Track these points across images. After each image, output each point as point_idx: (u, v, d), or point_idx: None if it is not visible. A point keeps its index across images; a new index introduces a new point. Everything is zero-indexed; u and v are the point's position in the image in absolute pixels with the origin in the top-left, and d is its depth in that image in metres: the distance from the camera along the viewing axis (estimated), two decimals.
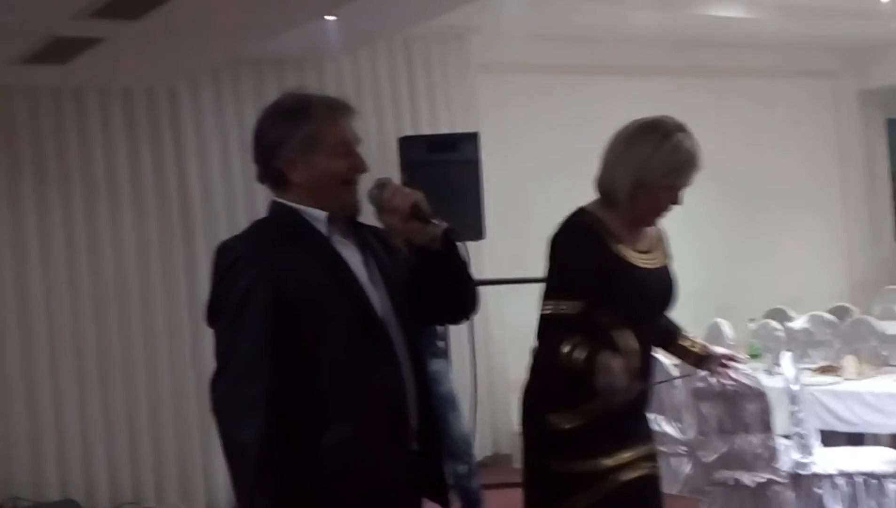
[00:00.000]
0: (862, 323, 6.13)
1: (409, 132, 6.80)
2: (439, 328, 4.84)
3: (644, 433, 2.86)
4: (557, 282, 2.77)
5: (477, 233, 6.39)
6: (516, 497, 6.25)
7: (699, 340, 3.16)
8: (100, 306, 6.02)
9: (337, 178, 2.29)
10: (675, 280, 2.93)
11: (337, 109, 2.34)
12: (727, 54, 8.35)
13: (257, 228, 2.35)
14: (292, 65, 6.57)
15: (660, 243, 2.93)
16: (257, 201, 6.42)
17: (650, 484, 2.83)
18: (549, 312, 2.75)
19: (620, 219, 2.79)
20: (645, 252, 2.83)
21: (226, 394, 2.17)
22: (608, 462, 2.73)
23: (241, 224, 6.70)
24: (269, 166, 2.31)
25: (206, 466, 6.16)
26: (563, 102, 7.59)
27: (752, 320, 6.34)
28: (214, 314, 2.25)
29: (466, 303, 2.46)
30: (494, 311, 6.96)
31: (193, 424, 6.12)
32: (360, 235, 2.37)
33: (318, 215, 2.29)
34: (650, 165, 2.74)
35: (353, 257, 2.31)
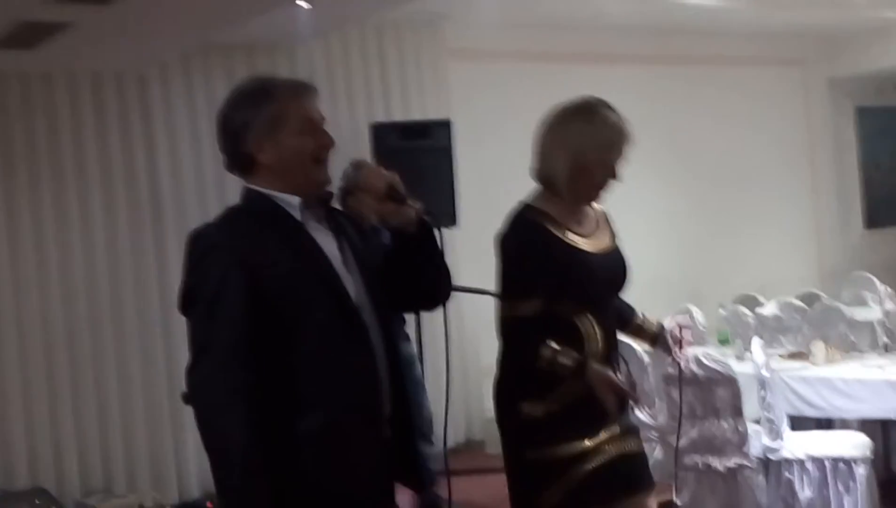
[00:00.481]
0: (831, 309, 6.19)
1: (382, 119, 6.79)
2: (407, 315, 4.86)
3: (613, 414, 2.85)
4: (512, 283, 2.80)
5: (450, 220, 6.39)
6: (488, 482, 6.27)
7: (651, 318, 3.13)
8: (69, 293, 5.97)
9: (306, 155, 2.29)
10: (626, 260, 2.94)
11: (299, 89, 2.34)
12: (699, 42, 8.38)
13: (230, 215, 2.33)
14: (263, 51, 6.53)
15: (605, 223, 2.96)
16: (228, 186, 6.38)
17: (630, 461, 2.84)
18: (507, 314, 2.78)
19: (563, 205, 2.82)
20: (591, 236, 2.86)
21: (205, 383, 2.16)
22: (584, 444, 2.74)
23: (212, 210, 6.67)
24: (237, 151, 2.30)
25: (177, 453, 6.14)
26: (535, 89, 7.57)
27: (722, 306, 6.38)
28: (189, 303, 2.24)
29: (440, 289, 2.46)
30: (468, 298, 6.96)
31: (164, 411, 6.09)
32: (334, 220, 2.36)
33: (291, 201, 2.29)
34: (584, 145, 2.78)
35: (327, 242, 2.30)
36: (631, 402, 2.93)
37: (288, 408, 2.18)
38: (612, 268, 2.89)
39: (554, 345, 2.72)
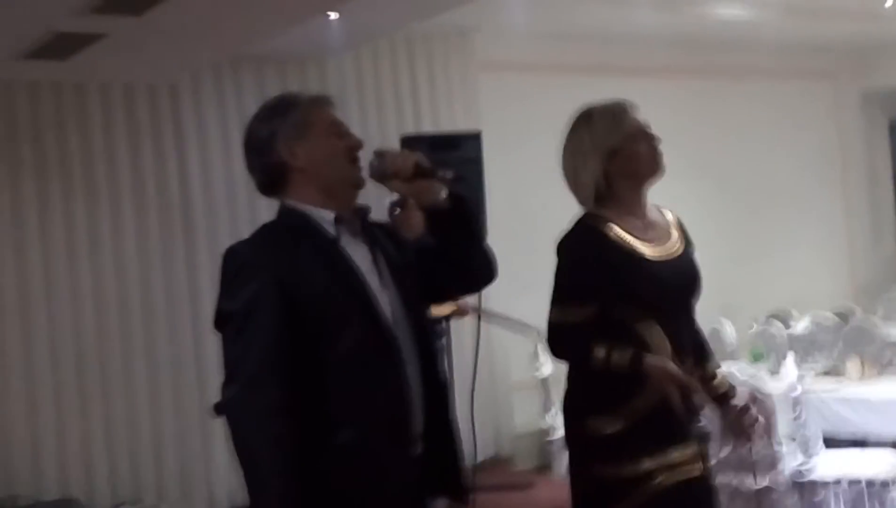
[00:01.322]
0: (865, 326, 6.11)
1: (412, 131, 6.78)
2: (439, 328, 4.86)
3: (692, 433, 2.77)
4: (564, 287, 2.74)
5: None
6: (516, 499, 6.23)
7: (725, 378, 2.97)
8: (100, 304, 5.99)
9: (339, 155, 2.30)
10: (697, 268, 2.85)
11: (320, 99, 2.38)
12: (729, 55, 8.33)
13: (264, 231, 2.33)
14: (294, 63, 6.54)
15: (676, 230, 2.88)
16: (259, 198, 6.39)
17: (698, 486, 2.75)
18: (557, 320, 2.72)
19: (622, 210, 2.77)
20: (656, 241, 2.79)
21: (238, 402, 2.15)
22: (651, 464, 2.66)
23: (243, 221, 6.72)
24: (268, 163, 2.29)
25: (206, 463, 6.14)
26: (565, 101, 7.43)
27: (755, 321, 6.32)
28: (222, 321, 2.24)
29: (483, 265, 2.43)
30: (499, 310, 6.93)
31: (194, 421, 6.10)
32: (369, 233, 2.35)
33: (325, 216, 2.28)
34: (598, 135, 2.77)
35: (362, 257, 2.30)
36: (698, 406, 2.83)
37: (319, 425, 2.17)
38: (679, 275, 2.79)
39: (604, 343, 2.65)
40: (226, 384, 2.19)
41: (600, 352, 2.65)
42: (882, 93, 9.40)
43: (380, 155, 2.34)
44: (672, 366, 2.67)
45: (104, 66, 5.65)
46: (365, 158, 2.38)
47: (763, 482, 4.44)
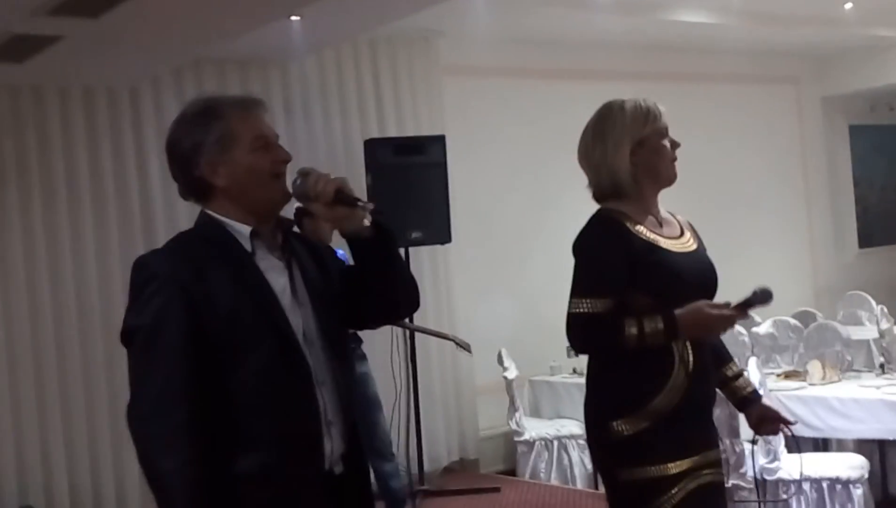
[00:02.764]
0: (826, 328, 6.16)
1: (376, 135, 6.75)
2: (358, 333, 4.85)
3: (709, 438, 2.75)
4: (588, 280, 2.68)
5: (444, 236, 6.35)
6: (481, 502, 6.21)
7: (751, 380, 2.96)
8: (59, 309, 5.91)
9: (263, 173, 2.20)
10: (713, 264, 2.83)
11: (247, 104, 2.25)
12: (692, 59, 8.39)
13: (179, 241, 2.25)
14: (256, 65, 6.50)
15: (690, 230, 2.87)
16: None
17: (714, 491, 2.73)
18: (580, 311, 2.65)
19: (639, 206, 2.74)
20: (673, 237, 2.76)
21: (144, 422, 2.08)
22: (672, 468, 2.63)
23: None
24: (191, 177, 2.21)
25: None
26: (528, 105, 7.58)
27: None
28: (129, 335, 2.15)
29: (405, 296, 2.37)
30: (462, 316, 6.93)
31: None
32: (288, 248, 2.28)
33: (242, 230, 2.20)
34: (629, 125, 2.73)
35: (276, 274, 2.21)
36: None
37: (227, 447, 2.09)
38: (699, 269, 2.76)
39: (632, 319, 2.59)
40: (133, 403, 2.10)
41: (632, 328, 2.59)
42: (842, 97, 9.50)
43: (303, 175, 2.24)
44: (702, 307, 2.61)
45: (62, 68, 5.57)
46: (297, 166, 2.29)
47: (728, 482, 4.45)
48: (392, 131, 6.88)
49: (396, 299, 2.37)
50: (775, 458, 4.70)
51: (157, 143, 6.23)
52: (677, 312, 2.60)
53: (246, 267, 2.18)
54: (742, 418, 4.31)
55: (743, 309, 2.69)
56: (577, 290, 2.68)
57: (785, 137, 9.27)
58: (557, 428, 6.45)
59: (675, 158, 2.78)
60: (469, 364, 6.94)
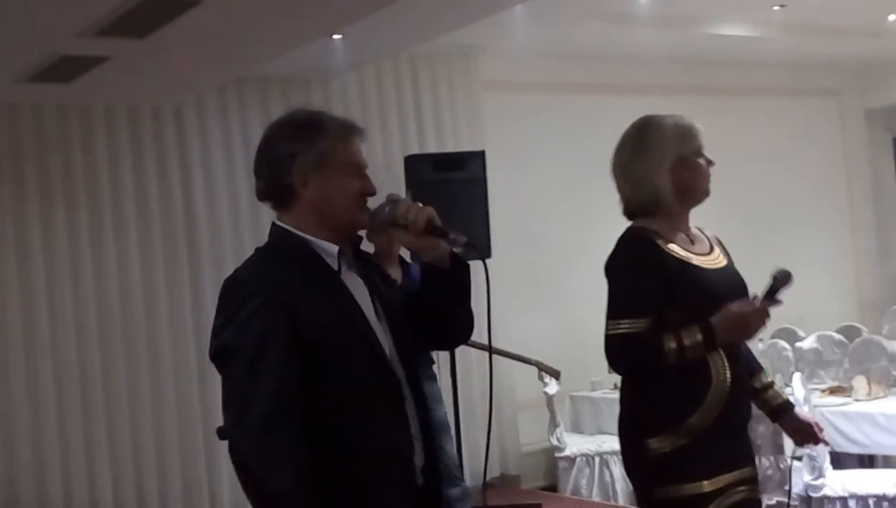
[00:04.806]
0: (871, 343, 6.09)
1: (416, 151, 6.79)
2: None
3: (744, 455, 2.75)
4: (623, 300, 2.68)
5: (484, 251, 6.36)
6: None
7: (781, 391, 2.92)
8: (104, 326, 5.99)
9: (350, 196, 2.23)
10: (743, 279, 2.83)
11: (350, 129, 2.28)
12: (733, 73, 8.34)
13: (264, 257, 2.26)
14: (298, 83, 6.56)
15: (719, 247, 2.87)
16: (262, 219, 6.38)
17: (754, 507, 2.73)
18: (617, 332, 2.65)
19: (670, 223, 2.74)
20: (704, 254, 2.77)
21: (255, 443, 2.07)
22: (707, 485, 2.63)
23: (246, 243, 6.69)
24: (278, 181, 2.22)
25: (210, 483, 6.13)
26: (568, 120, 7.59)
27: (760, 339, 6.29)
28: (228, 356, 2.14)
29: (464, 327, 2.39)
30: (502, 330, 6.93)
31: (199, 449, 6.09)
32: (363, 267, 2.32)
33: (327, 248, 2.23)
34: (671, 142, 2.74)
35: (360, 291, 2.25)
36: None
37: (329, 461, 2.12)
38: (731, 285, 2.76)
39: (671, 334, 2.59)
40: (235, 425, 2.09)
41: (671, 343, 2.59)
42: (886, 109, 9.40)
43: (393, 202, 2.27)
44: (732, 309, 2.62)
45: (108, 88, 5.67)
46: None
47: (773, 499, 4.42)
48: (432, 147, 6.92)
49: (455, 330, 2.40)
50: (820, 475, 4.66)
51: (201, 160, 6.33)
52: (712, 319, 2.61)
53: (335, 284, 2.21)
54: (786, 434, 4.30)
55: (771, 297, 2.70)
56: (614, 312, 2.68)
57: (827, 151, 9.18)
58: (599, 444, 6.43)
59: (708, 175, 2.78)
60: (509, 378, 6.94)
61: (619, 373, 2.80)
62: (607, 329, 2.67)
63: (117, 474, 5.95)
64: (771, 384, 2.90)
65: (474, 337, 2.48)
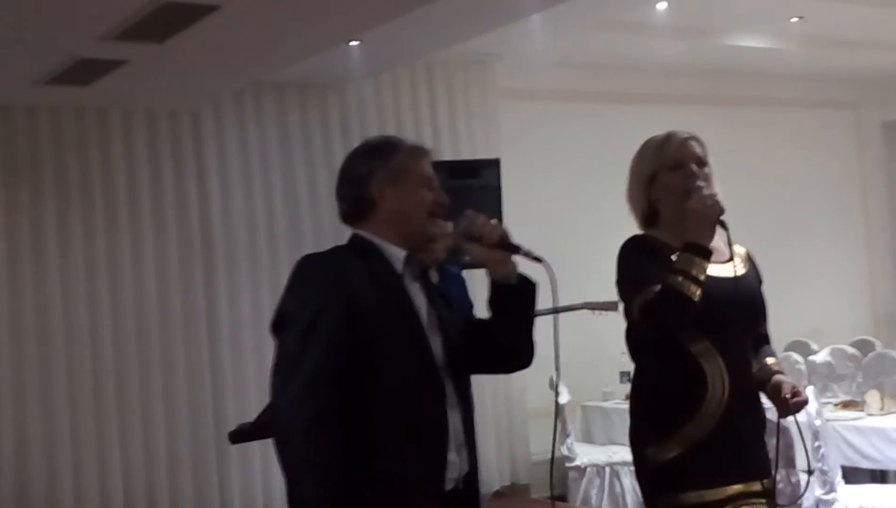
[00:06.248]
0: (885, 357, 6.07)
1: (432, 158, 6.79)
2: None
3: (754, 468, 2.69)
4: (636, 280, 2.68)
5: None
6: None
7: (768, 360, 2.80)
8: (118, 329, 6.01)
9: (425, 207, 2.42)
10: (756, 293, 2.80)
11: (420, 149, 2.50)
12: (749, 84, 8.33)
13: (339, 250, 2.43)
14: (315, 89, 6.59)
15: (739, 258, 2.82)
16: (277, 223, 6.43)
17: None
18: (642, 299, 2.62)
19: (673, 234, 2.73)
20: (716, 262, 2.70)
21: (294, 404, 2.20)
22: (710, 495, 2.61)
23: (262, 246, 6.70)
24: (358, 196, 2.41)
25: (220, 486, 6.15)
26: (584, 129, 7.59)
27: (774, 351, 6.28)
28: (285, 323, 2.29)
29: (526, 351, 2.52)
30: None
31: (210, 454, 6.10)
32: (427, 281, 2.47)
33: (396, 253, 2.40)
34: (641, 163, 2.81)
35: (419, 300, 2.40)
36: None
37: (360, 451, 2.23)
38: (736, 294, 2.70)
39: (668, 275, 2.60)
40: (282, 383, 2.23)
41: (675, 278, 2.58)
42: None
43: (471, 216, 2.46)
44: (688, 207, 2.66)
45: (126, 92, 5.71)
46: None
47: None
48: (448, 155, 6.92)
49: (519, 353, 2.54)
50: (832, 489, 4.64)
51: (218, 164, 6.35)
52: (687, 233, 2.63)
53: (396, 286, 2.37)
54: (798, 447, 4.30)
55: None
56: (630, 292, 2.68)
57: (844, 163, 9.15)
58: (609, 454, 6.42)
59: (690, 189, 2.71)
60: (520, 386, 6.93)
61: (663, 333, 2.68)
62: (632, 307, 2.66)
63: (128, 477, 5.97)
64: (763, 364, 2.78)
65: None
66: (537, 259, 2.46)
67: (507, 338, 2.49)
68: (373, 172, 2.40)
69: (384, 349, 2.28)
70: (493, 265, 2.46)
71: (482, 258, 2.46)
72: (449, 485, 2.33)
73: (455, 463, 2.34)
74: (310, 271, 2.34)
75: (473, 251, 2.45)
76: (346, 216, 2.46)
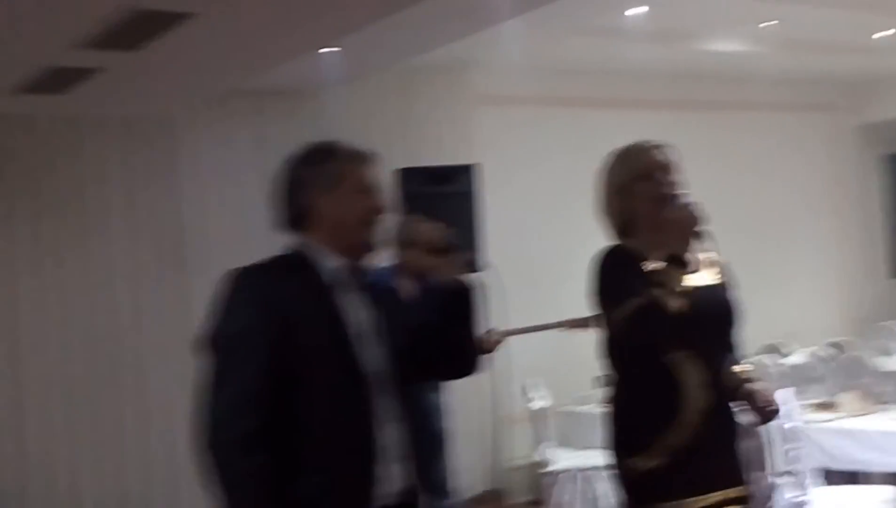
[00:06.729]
0: (857, 359, 6.12)
1: (408, 164, 6.79)
2: None
3: (730, 475, 2.73)
4: (610, 290, 2.69)
5: (475, 265, 6.37)
6: None
7: (740, 368, 2.81)
8: (91, 340, 5.99)
9: (359, 216, 2.34)
10: (730, 302, 2.80)
11: (360, 154, 2.42)
12: (725, 88, 8.38)
13: (268, 263, 2.36)
14: (291, 95, 6.58)
15: (713, 267, 2.84)
16: (253, 230, 6.40)
17: None
18: (619, 316, 2.64)
19: (648, 244, 2.74)
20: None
21: (218, 425, 2.15)
22: (690, 504, 2.64)
23: (237, 254, 6.69)
24: (292, 204, 2.35)
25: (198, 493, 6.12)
26: (561, 134, 7.61)
27: (745, 355, 6.31)
28: (213, 340, 2.24)
29: (469, 355, 2.47)
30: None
31: (185, 462, 6.06)
32: (368, 287, 2.39)
33: (330, 263, 2.33)
34: (613, 173, 2.82)
35: (355, 308, 2.32)
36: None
37: (287, 466, 2.17)
38: (706, 305, 2.71)
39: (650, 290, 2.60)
40: (208, 403, 2.18)
41: (656, 290, 2.59)
42: (875, 126, 9.45)
43: (409, 221, 2.46)
44: (665, 218, 2.66)
45: (100, 100, 5.68)
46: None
47: None
48: (425, 161, 6.92)
49: (464, 357, 2.47)
50: (805, 491, 4.67)
51: (193, 172, 6.33)
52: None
53: (327, 298, 2.30)
54: (770, 450, 4.33)
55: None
56: (609, 305, 2.67)
57: (817, 166, 9.22)
58: (585, 459, 6.42)
59: (664, 198, 2.73)
60: (496, 393, 6.93)
61: (641, 353, 2.69)
62: (610, 325, 2.66)
63: (99, 484, 5.97)
64: (729, 371, 2.79)
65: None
66: (472, 264, 2.40)
67: (450, 342, 2.42)
68: (307, 178, 2.34)
69: (313, 362, 2.21)
70: (433, 270, 2.40)
71: (422, 263, 2.41)
72: (382, 501, 2.25)
73: (388, 478, 2.26)
74: (236, 286, 2.26)
75: (412, 256, 2.40)
76: (282, 224, 2.39)
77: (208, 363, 2.22)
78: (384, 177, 2.44)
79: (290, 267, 2.32)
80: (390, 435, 2.29)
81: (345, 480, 2.20)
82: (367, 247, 2.37)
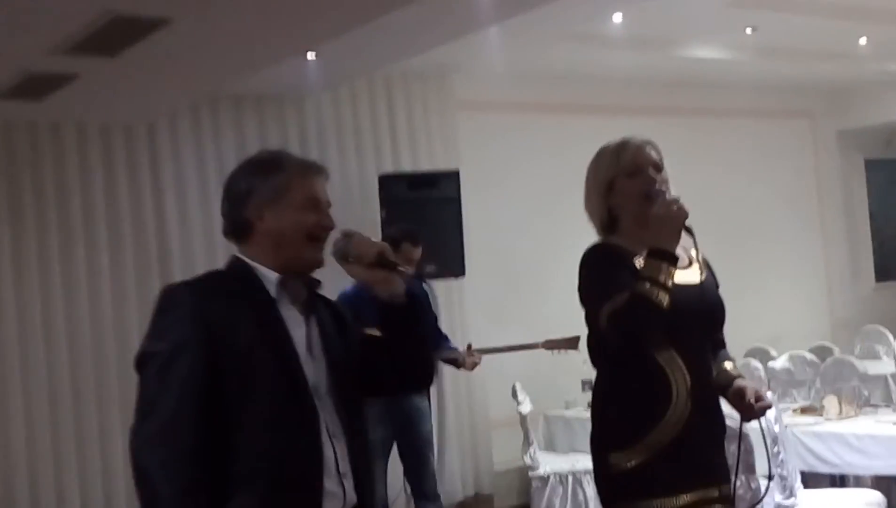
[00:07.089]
0: (843, 363, 6.12)
1: (390, 170, 6.79)
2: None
3: (715, 474, 2.70)
4: (601, 288, 2.65)
5: (458, 270, 6.36)
6: None
7: (727, 365, 2.79)
8: (74, 344, 5.93)
9: (303, 231, 2.28)
10: (717, 298, 2.79)
11: (309, 167, 2.35)
12: (707, 94, 8.41)
13: (208, 278, 2.32)
14: (272, 101, 6.55)
15: (698, 264, 2.82)
16: None
17: None
18: (608, 310, 2.59)
19: (633, 240, 2.72)
20: (679, 268, 2.69)
21: (148, 446, 2.10)
22: (674, 502, 2.61)
23: (220, 261, 6.63)
24: (237, 216, 2.30)
25: None
26: (543, 140, 7.61)
27: (732, 358, 6.31)
28: (144, 359, 2.18)
29: (422, 369, 2.47)
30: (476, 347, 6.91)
31: None
32: (312, 304, 2.34)
33: (270, 277, 2.27)
34: (600, 169, 2.81)
35: (295, 325, 2.27)
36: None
37: (226, 485, 2.11)
38: (694, 302, 2.70)
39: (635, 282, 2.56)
40: (139, 424, 2.12)
41: (643, 285, 2.54)
42: (857, 131, 9.50)
43: (347, 236, 2.37)
44: (651, 214, 2.63)
45: (79, 106, 5.64)
46: (345, 210, 2.38)
47: None
48: (407, 167, 6.92)
49: (414, 370, 2.48)
50: (791, 494, 4.66)
51: (174, 178, 6.29)
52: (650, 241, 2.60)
53: (268, 313, 2.24)
54: (758, 453, 4.32)
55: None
56: (597, 301, 2.63)
57: (800, 172, 9.26)
58: (572, 463, 6.42)
59: (650, 194, 2.72)
60: (483, 396, 6.92)
61: (628, 346, 2.66)
62: (600, 320, 2.62)
63: (86, 491, 5.91)
64: (722, 369, 2.78)
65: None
66: (418, 278, 2.40)
67: (400, 356, 2.41)
68: (253, 190, 2.27)
69: (251, 379, 2.15)
70: (375, 284, 2.38)
71: (362, 278, 2.38)
72: None
73: (335, 494, 2.20)
74: (169, 303, 2.20)
75: (353, 271, 2.36)
76: (227, 234, 2.34)
77: (139, 382, 2.17)
78: (332, 190, 2.36)
79: (229, 281, 2.28)
80: (341, 451, 2.23)
81: (284, 496, 2.14)
82: (309, 263, 2.31)
